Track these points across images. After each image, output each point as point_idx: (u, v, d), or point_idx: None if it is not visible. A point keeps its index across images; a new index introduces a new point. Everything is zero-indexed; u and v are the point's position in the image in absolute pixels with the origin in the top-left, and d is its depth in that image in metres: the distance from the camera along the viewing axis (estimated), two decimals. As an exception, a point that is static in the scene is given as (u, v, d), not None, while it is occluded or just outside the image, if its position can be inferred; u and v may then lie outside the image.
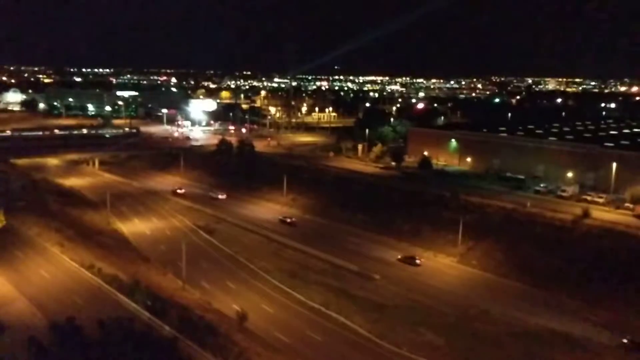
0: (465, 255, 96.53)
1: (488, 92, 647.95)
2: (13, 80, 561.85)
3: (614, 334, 71.11)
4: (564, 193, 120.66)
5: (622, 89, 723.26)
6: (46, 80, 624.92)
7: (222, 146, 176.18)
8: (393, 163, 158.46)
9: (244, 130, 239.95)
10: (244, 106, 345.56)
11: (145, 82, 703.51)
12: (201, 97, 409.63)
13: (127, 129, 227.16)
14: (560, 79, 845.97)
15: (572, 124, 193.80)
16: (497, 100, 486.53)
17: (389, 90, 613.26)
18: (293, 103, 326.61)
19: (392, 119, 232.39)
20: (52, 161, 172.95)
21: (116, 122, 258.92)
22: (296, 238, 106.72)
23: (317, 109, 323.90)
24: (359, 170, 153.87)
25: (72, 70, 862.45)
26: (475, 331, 71.86)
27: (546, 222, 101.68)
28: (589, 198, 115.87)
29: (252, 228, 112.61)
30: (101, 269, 79.49)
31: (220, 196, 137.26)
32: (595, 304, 78.51)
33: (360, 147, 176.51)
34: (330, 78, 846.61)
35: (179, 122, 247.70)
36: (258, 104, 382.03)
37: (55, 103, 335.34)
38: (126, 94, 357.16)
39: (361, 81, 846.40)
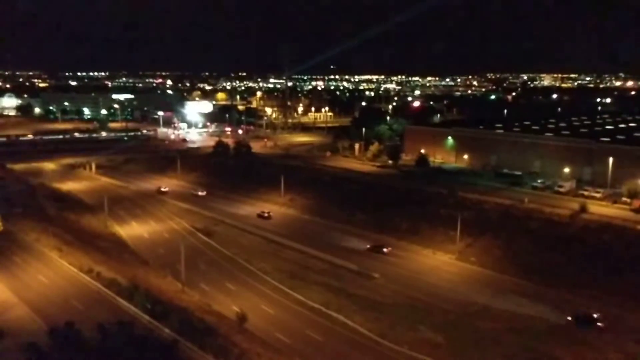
0: (464, 252, 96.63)
1: (484, 89, 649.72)
2: (8, 85, 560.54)
3: (615, 328, 71.10)
4: (561, 188, 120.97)
5: (617, 83, 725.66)
6: (41, 85, 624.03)
7: (219, 148, 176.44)
8: (390, 161, 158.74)
9: (240, 131, 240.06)
10: (240, 107, 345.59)
11: (140, 84, 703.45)
12: (197, 99, 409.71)
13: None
14: (555, 75, 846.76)
15: (568, 120, 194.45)
16: (493, 97, 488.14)
17: (385, 89, 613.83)
18: (289, 103, 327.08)
19: (388, 118, 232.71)
20: (49, 165, 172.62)
21: (112, 125, 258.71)
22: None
23: (313, 109, 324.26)
24: (356, 169, 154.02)
25: (67, 74, 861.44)
26: (476, 328, 71.86)
27: (544, 218, 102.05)
28: (586, 193, 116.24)
29: (251, 230, 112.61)
30: (100, 273, 79.18)
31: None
32: (596, 298, 78.55)
33: (357, 146, 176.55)
34: (326, 78, 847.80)
35: (176, 125, 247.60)
36: (254, 105, 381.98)
37: (50, 107, 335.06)
38: (122, 97, 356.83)
39: (357, 80, 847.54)
